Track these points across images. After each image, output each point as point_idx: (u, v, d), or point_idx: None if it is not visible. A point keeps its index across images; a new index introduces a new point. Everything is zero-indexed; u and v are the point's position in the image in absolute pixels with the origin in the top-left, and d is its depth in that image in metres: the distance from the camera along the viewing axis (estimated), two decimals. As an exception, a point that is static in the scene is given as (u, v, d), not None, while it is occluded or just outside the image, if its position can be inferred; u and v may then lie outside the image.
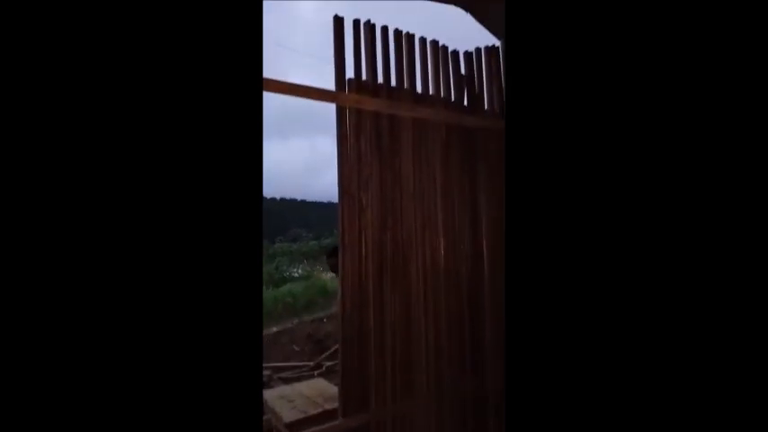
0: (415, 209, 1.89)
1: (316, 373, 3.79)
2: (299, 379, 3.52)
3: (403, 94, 1.90)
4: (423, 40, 2.01)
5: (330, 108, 1.71)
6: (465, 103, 2.18)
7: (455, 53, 2.15)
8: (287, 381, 3.53)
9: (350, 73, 1.77)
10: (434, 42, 2.05)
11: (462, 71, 2.18)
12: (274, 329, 4.97)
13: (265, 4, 0.82)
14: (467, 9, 2.82)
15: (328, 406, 2.00)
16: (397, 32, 1.92)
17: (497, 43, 2.39)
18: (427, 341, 1.87)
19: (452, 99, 2.11)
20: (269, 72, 1.44)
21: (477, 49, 2.26)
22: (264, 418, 2.13)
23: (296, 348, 4.42)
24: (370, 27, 1.83)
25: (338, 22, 1.75)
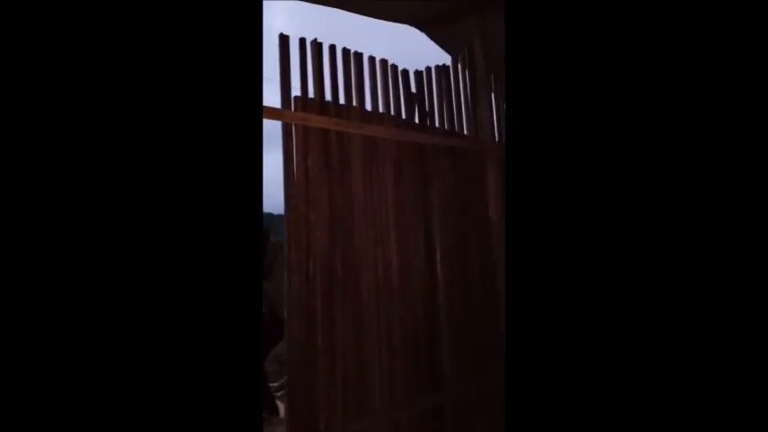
0: (366, 227, 1.89)
1: (279, 394, 3.66)
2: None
3: (352, 111, 1.91)
4: (371, 58, 2.03)
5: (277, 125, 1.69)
6: (416, 120, 2.22)
7: (405, 72, 2.19)
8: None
9: (296, 91, 1.76)
10: (383, 61, 2.08)
11: (413, 89, 2.22)
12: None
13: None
14: (420, 28, 2.90)
15: None
16: (345, 51, 1.94)
17: (449, 62, 2.46)
18: (380, 360, 1.84)
19: (403, 117, 2.14)
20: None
21: (428, 68, 2.31)
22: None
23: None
24: (316, 45, 1.84)
25: (283, 39, 1.74)
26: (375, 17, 2.65)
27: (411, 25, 2.87)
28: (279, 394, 3.63)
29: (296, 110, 1.72)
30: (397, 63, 2.14)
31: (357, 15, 2.53)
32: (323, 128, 1.78)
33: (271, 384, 2.56)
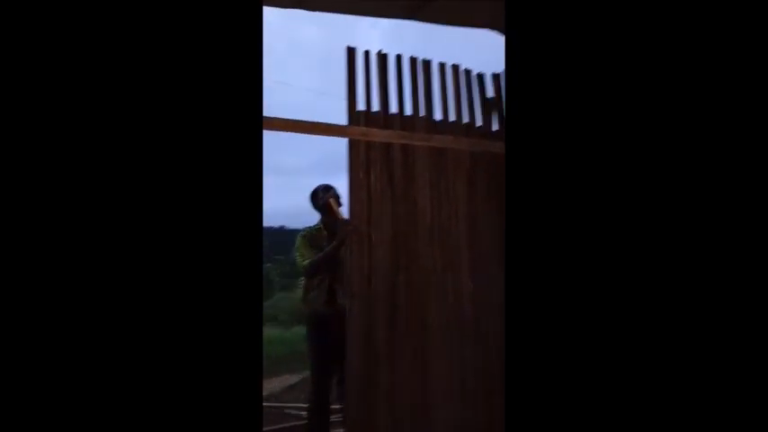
0: (433, 248, 1.69)
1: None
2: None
3: (418, 122, 1.76)
4: (441, 65, 1.88)
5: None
6: (493, 128, 1.97)
7: (480, 75, 1.98)
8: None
9: (361, 105, 1.69)
10: (455, 66, 1.91)
11: (490, 94, 2.00)
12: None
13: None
14: (502, 31, 2.66)
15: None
16: (412, 60, 1.82)
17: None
18: (448, 407, 1.59)
19: (478, 125, 1.92)
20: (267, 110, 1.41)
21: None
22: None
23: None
24: (381, 57, 1.76)
25: (350, 53, 1.70)
26: (456, 25, 2.51)
27: (492, 30, 2.66)
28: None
29: (358, 124, 1.64)
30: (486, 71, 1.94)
31: (442, 27, 2.42)
32: (386, 142, 1.67)
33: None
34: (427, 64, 1.84)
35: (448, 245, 1.72)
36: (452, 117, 1.86)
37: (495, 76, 2.04)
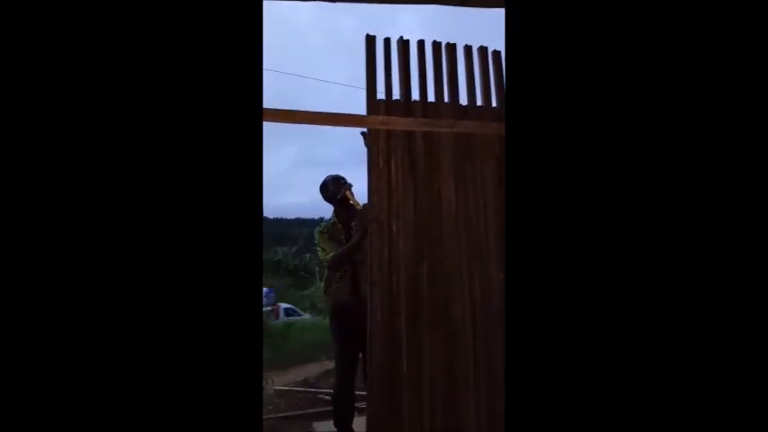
0: (459, 238, 1.64)
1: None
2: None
3: (442, 108, 1.71)
4: (467, 47, 1.80)
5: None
6: (526, 111, 1.87)
7: (510, 56, 1.88)
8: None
9: (381, 94, 1.67)
10: (483, 49, 1.82)
11: (521, 75, 1.89)
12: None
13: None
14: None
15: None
16: (435, 44, 1.76)
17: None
18: (478, 401, 1.55)
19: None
20: (281, 102, 1.43)
21: (541, 48, 1.94)
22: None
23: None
24: (402, 43, 1.71)
25: (369, 41, 1.67)
26: (476, 6, 2.39)
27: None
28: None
29: (378, 113, 1.62)
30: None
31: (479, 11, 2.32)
32: (408, 130, 1.63)
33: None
34: (452, 48, 1.77)
35: (475, 234, 1.67)
36: (480, 101, 1.78)
37: (527, 56, 1.92)
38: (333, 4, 1.63)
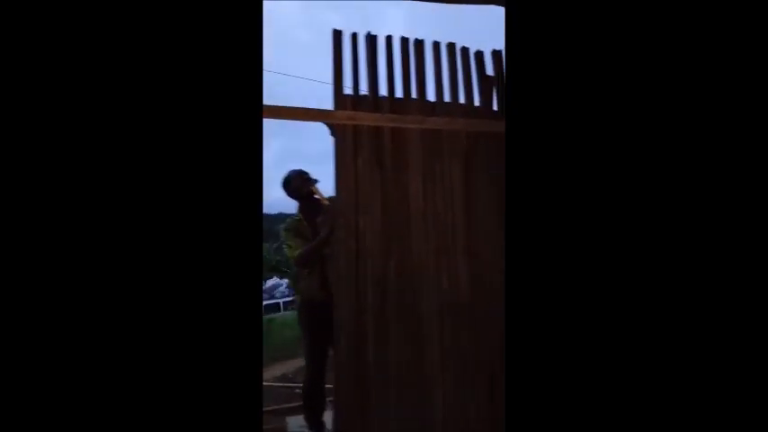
0: (427, 233, 1.66)
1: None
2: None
3: (410, 104, 1.71)
4: (436, 44, 1.80)
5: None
6: (495, 107, 1.89)
7: (479, 53, 1.89)
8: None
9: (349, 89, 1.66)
10: (451, 45, 1.83)
11: (490, 72, 1.90)
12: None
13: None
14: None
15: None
16: (403, 40, 1.76)
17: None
18: (445, 393, 1.58)
19: (477, 104, 1.84)
20: (267, 100, 1.41)
21: (509, 45, 1.96)
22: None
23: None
24: (370, 38, 1.71)
25: (336, 35, 1.66)
26: (462, 2, 2.40)
27: (499, 5, 2.53)
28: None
29: (344, 108, 1.61)
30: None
31: (445, 5, 2.32)
32: (376, 125, 1.63)
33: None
34: (420, 44, 1.77)
35: (443, 229, 1.68)
36: (448, 98, 1.80)
37: (496, 53, 1.94)
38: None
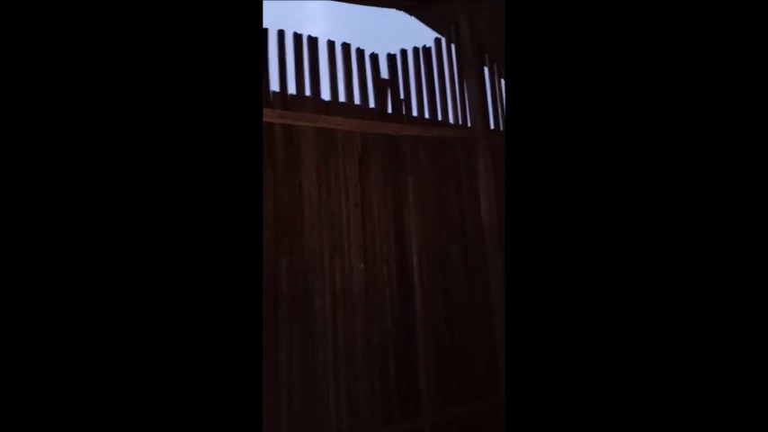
0: (321, 231, 1.67)
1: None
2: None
3: (303, 102, 1.71)
4: (330, 43, 1.82)
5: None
6: (389, 109, 1.97)
7: (374, 56, 1.96)
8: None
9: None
10: (346, 45, 1.86)
11: (384, 75, 1.98)
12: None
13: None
14: (409, 12, 2.65)
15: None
16: (297, 36, 1.74)
17: (430, 43, 2.18)
18: (338, 384, 1.61)
19: (372, 106, 1.91)
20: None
21: (403, 51, 2.05)
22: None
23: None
24: (262, 33, 1.66)
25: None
26: (366, 4, 2.45)
27: (400, 9, 2.64)
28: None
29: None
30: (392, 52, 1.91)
31: (350, 5, 2.34)
32: (267, 122, 1.60)
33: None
34: (313, 41, 1.77)
35: (336, 227, 1.71)
36: (343, 98, 1.83)
37: (391, 57, 2.02)
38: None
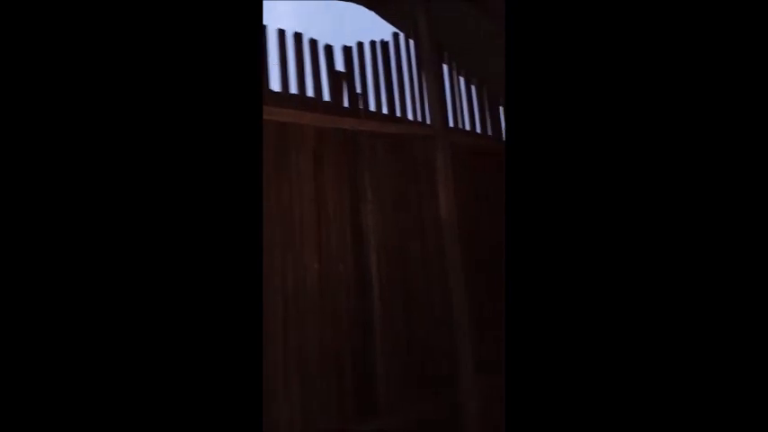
0: (272, 228, 1.58)
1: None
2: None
3: (251, 93, 1.61)
4: (281, 31, 1.74)
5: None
6: (345, 103, 1.91)
7: (329, 47, 1.89)
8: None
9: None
10: (298, 35, 1.79)
11: (339, 68, 1.92)
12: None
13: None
14: (368, 6, 2.60)
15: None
16: (244, 23, 1.64)
17: (387, 38, 2.14)
18: (289, 386, 1.53)
19: (327, 99, 1.84)
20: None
21: (360, 44, 2.00)
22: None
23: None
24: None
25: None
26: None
27: (359, 4, 2.59)
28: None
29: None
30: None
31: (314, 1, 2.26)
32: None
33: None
34: (262, 30, 1.68)
35: (289, 224, 1.63)
36: (295, 90, 1.75)
37: (347, 49, 1.96)
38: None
